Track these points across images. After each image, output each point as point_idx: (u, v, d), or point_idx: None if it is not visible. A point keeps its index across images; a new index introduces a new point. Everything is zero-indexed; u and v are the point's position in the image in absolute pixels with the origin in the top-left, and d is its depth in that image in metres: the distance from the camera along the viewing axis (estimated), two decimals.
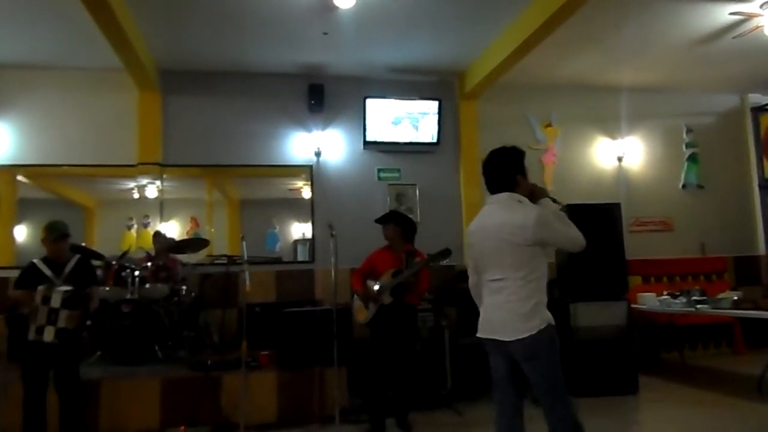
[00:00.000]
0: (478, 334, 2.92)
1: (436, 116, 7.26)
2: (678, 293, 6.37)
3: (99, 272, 5.14)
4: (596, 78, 7.62)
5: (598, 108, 7.96)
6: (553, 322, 2.81)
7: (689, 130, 8.26)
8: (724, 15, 5.98)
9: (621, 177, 7.87)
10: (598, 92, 7.89)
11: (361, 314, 4.86)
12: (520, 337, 2.71)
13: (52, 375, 4.12)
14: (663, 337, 7.28)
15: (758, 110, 8.32)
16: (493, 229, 2.84)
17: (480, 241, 2.92)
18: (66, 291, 4.02)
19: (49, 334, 3.97)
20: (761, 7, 5.81)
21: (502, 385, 2.92)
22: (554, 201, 3.01)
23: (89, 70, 6.77)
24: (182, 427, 4.68)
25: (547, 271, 2.86)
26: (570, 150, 7.85)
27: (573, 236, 2.83)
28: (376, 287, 4.78)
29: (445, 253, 4.63)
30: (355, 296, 4.95)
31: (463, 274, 6.48)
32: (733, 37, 6.43)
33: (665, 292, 6.55)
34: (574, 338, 5.80)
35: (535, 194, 2.97)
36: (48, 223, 4.27)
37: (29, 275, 4.15)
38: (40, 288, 4.01)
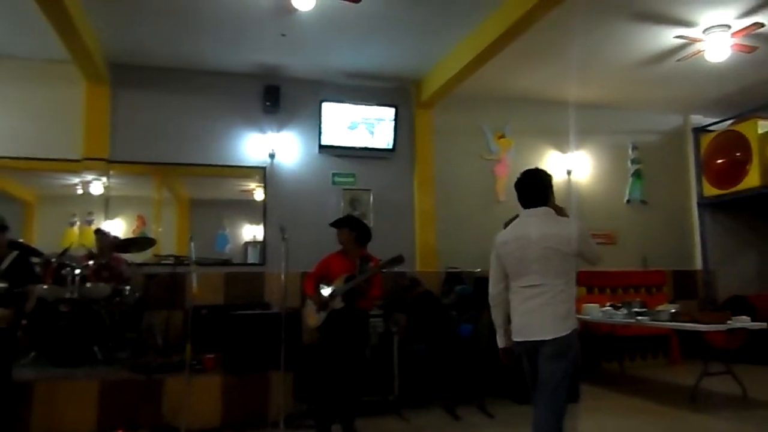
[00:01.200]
0: (514, 338, 3.13)
1: (393, 123, 7.30)
2: (620, 305, 6.56)
3: (37, 270, 4.94)
4: (548, 92, 7.83)
5: (549, 121, 8.16)
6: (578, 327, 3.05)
7: (635, 147, 8.58)
8: (669, 38, 6.25)
9: (570, 190, 8.09)
10: (549, 106, 8.10)
11: (312, 319, 4.80)
12: (556, 336, 2.94)
13: None
14: (604, 347, 7.49)
15: (699, 131, 8.70)
16: (537, 239, 3.05)
17: (518, 249, 3.10)
18: (0, 287, 3.86)
19: None
20: (704, 32, 6.10)
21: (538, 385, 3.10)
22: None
23: (33, 60, 6.52)
24: (120, 431, 4.53)
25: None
26: (522, 161, 7.99)
27: (599, 253, 3.23)
28: (328, 292, 4.75)
29: (398, 259, 4.64)
30: (307, 300, 4.90)
31: (414, 281, 6.56)
32: (678, 60, 6.72)
33: (608, 304, 6.73)
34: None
35: (557, 212, 3.20)
36: None
37: None
38: None
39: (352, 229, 4.93)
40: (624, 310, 6.39)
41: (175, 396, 4.62)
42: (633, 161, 8.56)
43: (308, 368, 5.05)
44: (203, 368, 5.04)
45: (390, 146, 7.35)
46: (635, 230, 8.33)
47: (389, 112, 7.29)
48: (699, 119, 8.88)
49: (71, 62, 6.04)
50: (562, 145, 8.22)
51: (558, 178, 8.15)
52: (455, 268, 7.06)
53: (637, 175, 8.53)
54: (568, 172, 8.17)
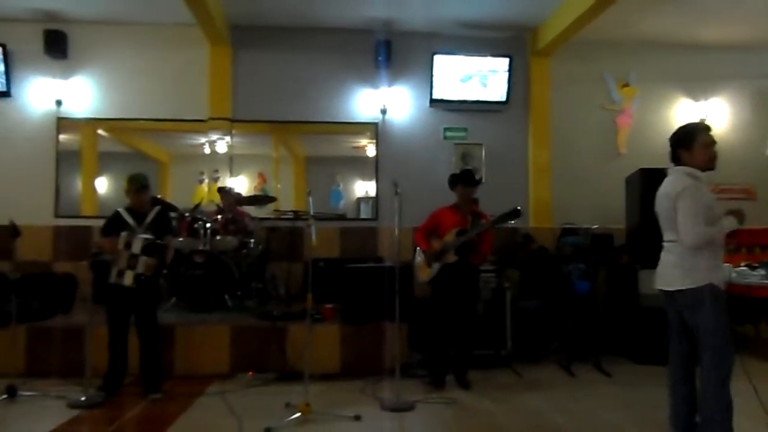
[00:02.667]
0: (654, 286, 3.44)
1: (507, 74, 7.04)
2: (756, 264, 6.05)
3: (173, 223, 5.38)
4: (679, 35, 7.16)
5: (680, 67, 7.50)
6: (716, 283, 3.13)
7: None
8: None
9: None
10: (681, 50, 7.42)
11: (424, 272, 4.88)
12: (682, 288, 3.16)
13: (132, 319, 4.42)
14: (738, 309, 6.95)
15: None
16: (662, 197, 3.30)
17: (658, 206, 3.36)
18: (146, 239, 4.29)
19: (128, 278, 4.26)
20: None
21: (674, 336, 3.41)
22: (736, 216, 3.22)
23: (162, 25, 6.92)
24: (251, 372, 4.92)
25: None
26: (648, 112, 7.46)
27: (688, 226, 3.09)
28: (440, 245, 4.78)
29: (514, 213, 4.52)
30: (418, 254, 4.96)
31: (528, 237, 6.42)
32: None
33: (743, 263, 6.23)
34: (639, 305, 5.64)
35: (737, 217, 3.21)
36: (131, 175, 4.54)
37: (114, 223, 4.44)
38: (123, 234, 4.30)
39: (477, 186, 4.91)
40: (761, 271, 5.89)
41: (298, 343, 4.92)
42: None
43: (421, 320, 5.15)
44: (322, 318, 5.31)
45: (503, 99, 7.12)
46: None
47: (503, 63, 7.03)
48: None
49: (196, 26, 6.35)
50: (694, 92, 7.53)
51: None
52: (571, 224, 6.81)
53: None
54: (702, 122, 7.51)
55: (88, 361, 4.24)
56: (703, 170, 3.22)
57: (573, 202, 7.14)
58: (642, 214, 5.77)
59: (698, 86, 7.50)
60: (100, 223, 4.65)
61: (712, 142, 3.24)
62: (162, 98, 6.95)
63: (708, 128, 3.34)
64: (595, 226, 6.70)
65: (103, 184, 7.07)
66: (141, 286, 4.28)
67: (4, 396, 4.22)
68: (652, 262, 5.75)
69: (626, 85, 7.47)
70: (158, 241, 4.35)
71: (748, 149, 7.51)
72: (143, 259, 4.27)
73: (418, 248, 4.99)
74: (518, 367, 5.36)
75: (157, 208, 4.57)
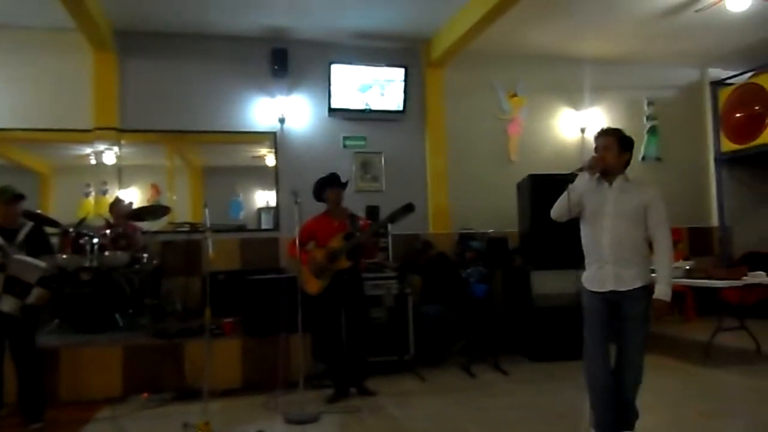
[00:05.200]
0: None
1: (402, 84, 7.20)
2: None
3: (54, 240, 5.01)
4: (561, 48, 7.67)
5: (562, 79, 8.02)
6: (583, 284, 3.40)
7: (650, 103, 8.42)
8: None
9: (584, 148, 7.98)
10: (563, 63, 7.95)
11: (313, 285, 4.72)
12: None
13: (7, 344, 4.04)
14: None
15: (717, 84, 8.48)
16: None
17: None
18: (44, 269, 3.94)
19: (6, 304, 3.86)
20: None
21: None
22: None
23: (39, 29, 6.46)
24: (145, 394, 4.66)
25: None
26: (535, 120, 7.92)
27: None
28: (323, 254, 4.70)
29: (408, 207, 4.58)
30: (301, 269, 4.70)
31: (427, 244, 6.57)
32: (696, 11, 6.52)
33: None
34: (532, 305, 5.94)
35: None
36: (1, 187, 4.14)
37: None
38: None
39: (344, 188, 4.92)
40: None
41: (197, 359, 4.74)
42: (648, 117, 8.41)
43: (322, 330, 5.10)
44: (222, 332, 5.15)
45: (400, 108, 7.27)
46: None
47: (399, 73, 7.19)
48: (717, 72, 8.65)
49: (77, 30, 5.98)
50: (575, 102, 8.09)
51: (571, 136, 8.06)
52: (469, 229, 7.06)
53: (652, 131, 8.39)
54: (582, 130, 8.05)
55: None
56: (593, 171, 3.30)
57: (469, 207, 7.41)
58: (533, 218, 6.08)
59: (579, 97, 8.06)
60: None
61: (595, 147, 3.38)
62: (42, 107, 6.48)
63: (597, 135, 3.42)
64: (491, 231, 6.99)
65: None
66: (28, 316, 3.93)
67: None
68: (543, 263, 6.09)
69: (515, 95, 7.87)
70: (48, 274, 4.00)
71: None
72: (38, 291, 3.88)
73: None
74: (421, 371, 5.45)
75: (30, 224, 4.20)
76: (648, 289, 3.23)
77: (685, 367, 5.50)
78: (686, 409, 4.26)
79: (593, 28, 7.06)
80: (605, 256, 3.23)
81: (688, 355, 5.86)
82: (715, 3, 6.22)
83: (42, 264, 3.96)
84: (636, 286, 3.20)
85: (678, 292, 7.57)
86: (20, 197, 4.14)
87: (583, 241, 3.39)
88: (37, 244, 4.15)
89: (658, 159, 8.38)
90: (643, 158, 8.31)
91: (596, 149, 3.35)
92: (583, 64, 7.94)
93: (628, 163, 3.37)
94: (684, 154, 8.54)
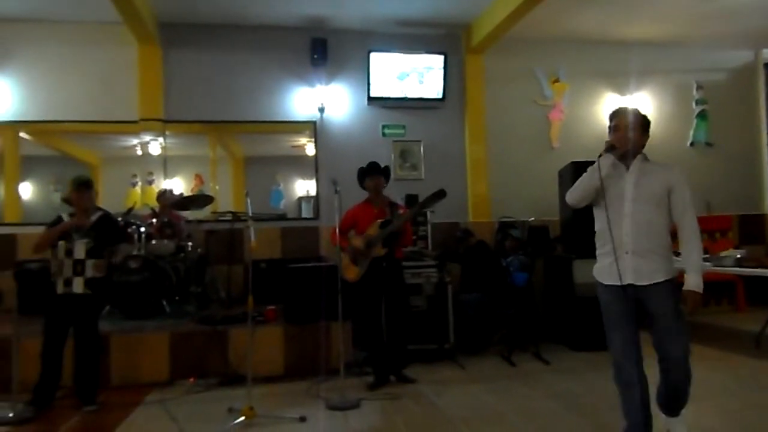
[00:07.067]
0: None
1: (442, 71, 7.14)
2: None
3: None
4: (606, 32, 7.46)
5: (606, 63, 7.82)
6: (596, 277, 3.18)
7: (699, 87, 8.12)
8: None
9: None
10: (607, 47, 7.74)
11: (351, 272, 4.79)
12: None
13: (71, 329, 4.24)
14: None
15: None
16: None
17: None
18: (88, 242, 4.15)
19: (78, 286, 4.11)
20: None
21: None
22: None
23: (87, 23, 6.65)
24: (191, 379, 4.80)
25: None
26: (578, 106, 7.74)
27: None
28: (362, 241, 4.76)
29: (440, 193, 4.56)
30: (342, 254, 4.80)
31: (467, 232, 6.53)
32: None
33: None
34: (574, 294, 5.84)
35: None
36: (72, 177, 4.36)
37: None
38: (61, 243, 4.14)
39: (386, 176, 4.94)
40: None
41: (240, 346, 4.84)
42: (698, 102, 8.11)
43: (362, 318, 5.15)
44: (265, 319, 5.24)
45: (440, 95, 7.21)
46: (699, 174, 7.91)
47: (438, 60, 7.12)
48: None
49: (122, 24, 6.13)
50: (620, 87, 7.86)
51: None
52: (509, 217, 6.98)
53: (701, 116, 8.09)
54: None
55: (16, 374, 4.03)
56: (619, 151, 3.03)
57: (510, 195, 7.33)
58: (584, 204, 5.94)
59: (624, 81, 7.83)
60: (24, 230, 4.44)
61: (615, 125, 3.09)
62: (90, 99, 6.68)
63: (616, 113, 3.14)
64: (532, 219, 6.90)
65: (27, 190, 6.72)
66: (94, 289, 4.15)
67: None
68: (585, 252, 5.97)
69: (557, 80, 7.71)
70: (103, 244, 4.19)
71: (671, 141, 7.90)
72: (90, 262, 4.13)
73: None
74: (461, 359, 5.45)
75: (98, 213, 4.38)
76: (673, 282, 2.96)
77: (736, 357, 5.33)
78: (736, 401, 4.13)
79: (639, 11, 6.84)
80: (625, 245, 2.95)
81: (739, 345, 5.68)
82: None
83: (84, 239, 4.14)
84: (656, 281, 2.93)
85: (728, 282, 7.42)
86: (88, 185, 4.30)
87: (598, 228, 3.12)
88: (106, 232, 4.32)
89: (708, 144, 8.09)
90: (692, 144, 8.04)
91: (616, 128, 3.06)
92: (628, 47, 7.71)
93: (643, 146, 3.10)
94: (735, 139, 8.22)
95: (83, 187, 4.27)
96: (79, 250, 4.14)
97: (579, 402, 4.24)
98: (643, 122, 3.09)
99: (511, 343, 5.60)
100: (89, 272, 4.14)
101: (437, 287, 5.70)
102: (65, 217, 4.26)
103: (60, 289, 4.13)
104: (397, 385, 4.72)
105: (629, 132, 3.02)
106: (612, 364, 3.09)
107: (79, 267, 4.13)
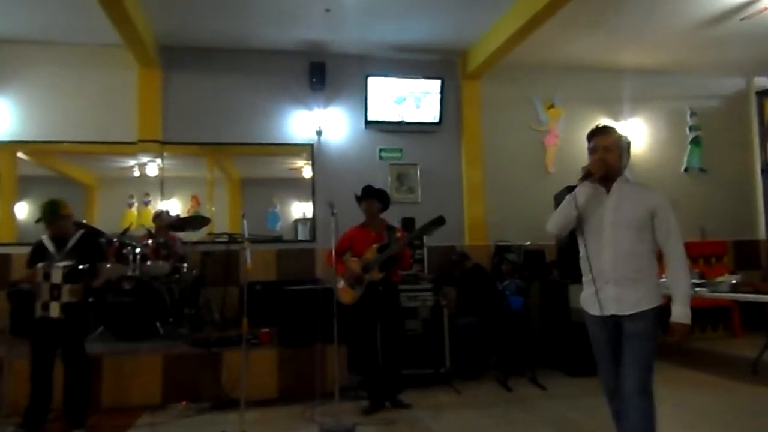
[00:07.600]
0: None
1: (439, 96, 7.21)
2: None
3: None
4: (600, 59, 7.57)
5: (601, 89, 7.91)
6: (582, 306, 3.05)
7: (693, 113, 8.22)
8: None
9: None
10: (602, 73, 7.85)
11: (348, 295, 4.76)
12: None
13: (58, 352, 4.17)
14: (660, 319, 7.29)
15: (763, 94, 8.24)
16: None
17: None
18: (65, 266, 4.07)
19: (54, 310, 4.02)
20: None
21: None
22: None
23: (88, 45, 6.72)
24: (184, 402, 4.74)
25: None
26: (573, 131, 7.79)
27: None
28: (359, 265, 4.74)
29: (439, 220, 4.58)
30: (338, 278, 4.81)
31: (463, 255, 6.53)
32: (741, 19, 6.36)
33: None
34: (570, 319, 5.83)
35: None
36: (43, 202, 4.26)
37: (37, 252, 4.22)
38: (40, 265, 4.07)
39: (381, 200, 4.94)
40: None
41: (234, 369, 4.78)
42: (691, 128, 8.20)
43: (357, 342, 5.11)
44: (259, 342, 5.20)
45: (437, 120, 7.28)
46: (693, 200, 7.98)
47: (435, 85, 7.21)
48: (763, 81, 8.42)
49: (123, 47, 6.19)
50: (615, 113, 7.95)
51: None
52: (505, 241, 6.99)
53: (695, 142, 8.17)
54: None
55: (5, 396, 3.97)
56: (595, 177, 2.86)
57: (506, 219, 7.35)
58: (571, 230, 5.97)
59: (618, 108, 7.93)
60: (19, 250, 4.41)
61: (593, 148, 2.93)
62: (88, 120, 6.71)
63: (594, 132, 2.97)
64: (528, 243, 6.91)
65: (23, 210, 6.71)
66: (69, 314, 4.06)
67: None
68: (581, 276, 5.95)
69: (552, 106, 7.80)
70: (79, 267, 4.13)
71: (665, 167, 7.97)
72: (67, 287, 4.05)
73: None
74: (457, 384, 5.40)
75: (80, 232, 4.33)
76: (658, 309, 2.86)
77: (732, 384, 5.30)
78: (733, 428, 4.10)
79: (634, 39, 6.95)
80: (605, 274, 2.83)
81: (735, 371, 5.65)
82: (762, 11, 6.06)
83: (63, 263, 4.07)
84: (641, 309, 2.80)
85: (724, 307, 7.41)
86: (57, 215, 4.17)
87: (581, 256, 2.98)
88: (86, 251, 4.26)
89: (702, 170, 8.16)
90: (686, 169, 8.11)
91: (593, 150, 2.91)
92: (622, 74, 7.82)
93: (623, 168, 2.95)
94: (729, 165, 8.30)
95: (53, 218, 4.18)
96: (56, 274, 4.05)
97: (576, 429, 4.20)
98: (621, 143, 2.94)
99: (507, 367, 5.56)
100: (65, 297, 4.03)
101: (433, 311, 5.67)
102: (45, 241, 4.21)
103: (38, 312, 4.05)
104: (392, 411, 4.66)
105: (607, 154, 2.87)
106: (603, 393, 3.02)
107: (55, 291, 4.03)
